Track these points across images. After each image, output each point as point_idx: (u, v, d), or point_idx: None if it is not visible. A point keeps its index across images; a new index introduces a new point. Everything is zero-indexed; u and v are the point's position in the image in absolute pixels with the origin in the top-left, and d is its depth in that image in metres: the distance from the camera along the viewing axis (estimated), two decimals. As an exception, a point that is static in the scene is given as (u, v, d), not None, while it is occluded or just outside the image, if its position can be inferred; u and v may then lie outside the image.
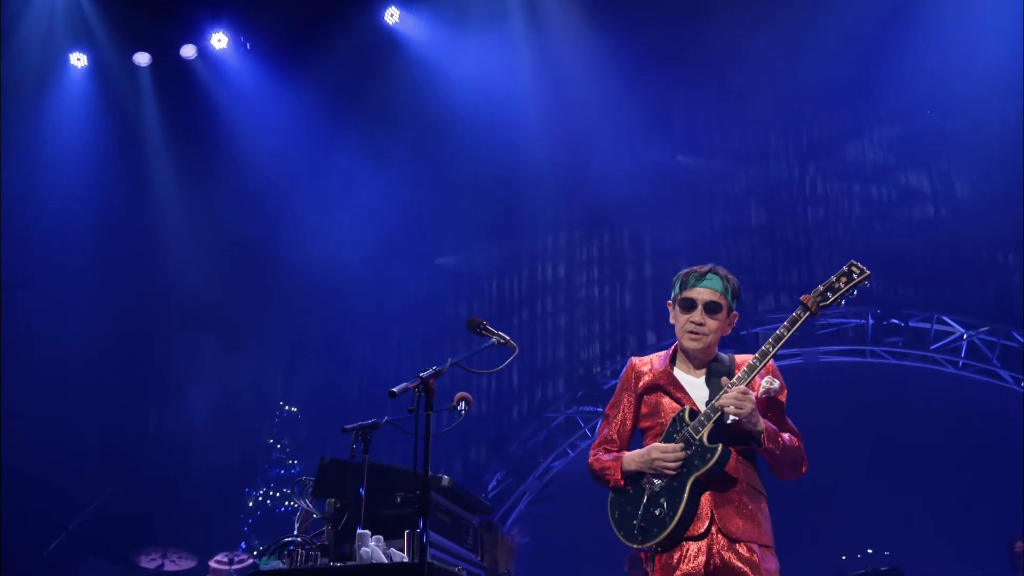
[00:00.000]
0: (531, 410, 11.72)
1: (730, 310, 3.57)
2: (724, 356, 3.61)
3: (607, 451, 3.63)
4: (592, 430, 11.62)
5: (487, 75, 11.09)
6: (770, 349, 3.36)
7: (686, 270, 3.61)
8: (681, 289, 3.57)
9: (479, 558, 4.36)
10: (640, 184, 11.17)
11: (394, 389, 3.21)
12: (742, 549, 3.29)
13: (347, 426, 3.88)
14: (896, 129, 10.75)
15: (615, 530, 3.50)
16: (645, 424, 3.61)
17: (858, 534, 9.31)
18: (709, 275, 3.54)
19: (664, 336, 11.34)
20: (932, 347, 10.32)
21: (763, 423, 3.37)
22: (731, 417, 3.36)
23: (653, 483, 3.42)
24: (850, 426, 9.35)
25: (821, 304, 3.33)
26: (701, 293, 3.52)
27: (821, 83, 10.46)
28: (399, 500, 3.98)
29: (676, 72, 10.82)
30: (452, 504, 4.19)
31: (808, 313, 3.33)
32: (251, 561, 8.74)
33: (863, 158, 10.94)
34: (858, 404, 9.82)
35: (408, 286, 11.90)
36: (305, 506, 4.19)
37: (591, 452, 3.69)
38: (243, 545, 10.16)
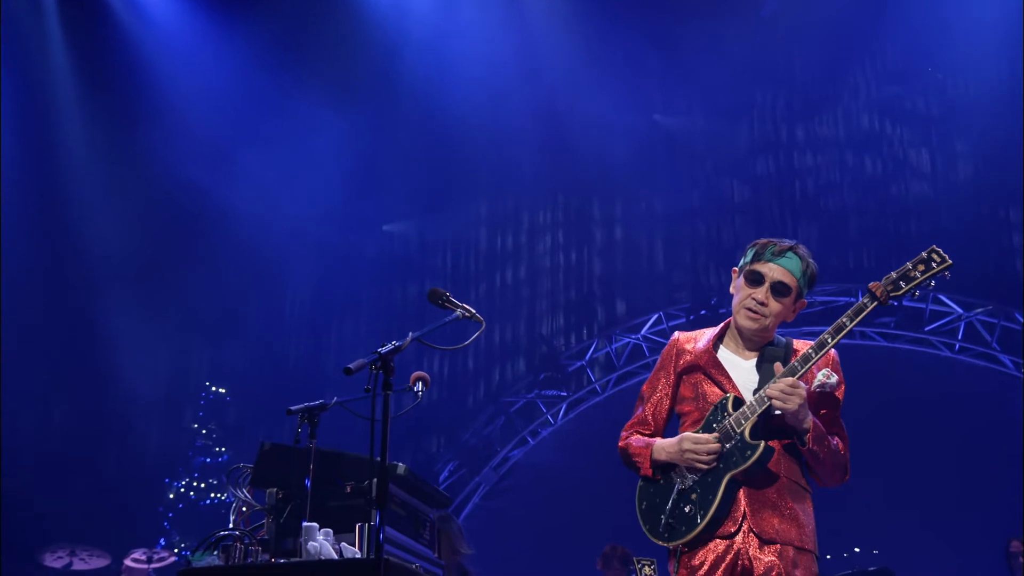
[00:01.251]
0: (488, 394, 11.81)
1: (799, 295, 3.53)
2: (781, 339, 3.57)
3: (640, 434, 3.63)
4: (556, 416, 11.76)
5: (444, 31, 11.06)
6: (829, 340, 3.33)
7: (765, 240, 3.56)
8: (753, 260, 3.51)
9: (436, 554, 4.39)
10: (613, 145, 11.24)
11: (350, 366, 3.16)
12: (773, 552, 3.30)
13: (292, 407, 3.86)
14: (893, 98, 10.94)
15: (641, 522, 3.52)
16: (684, 408, 3.58)
17: (845, 531, 9.52)
18: (789, 253, 3.49)
19: (636, 308, 11.48)
20: (927, 328, 10.56)
21: (811, 421, 3.33)
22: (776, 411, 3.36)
23: (685, 476, 3.43)
24: (836, 413, 9.54)
25: (892, 294, 3.32)
26: (773, 270, 3.48)
27: (820, 48, 10.61)
28: (349, 490, 3.96)
29: (655, 27, 10.87)
30: (408, 495, 4.14)
31: (876, 303, 3.31)
32: (172, 559, 8.70)
33: (857, 126, 11.11)
34: (845, 390, 9.96)
35: (353, 254, 11.86)
36: (242, 496, 4.18)
37: (623, 434, 3.69)
38: (162, 541, 10.11)
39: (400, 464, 4.13)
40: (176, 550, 9.73)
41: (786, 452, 3.41)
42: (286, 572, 3.43)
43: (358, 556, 3.53)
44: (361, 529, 3.69)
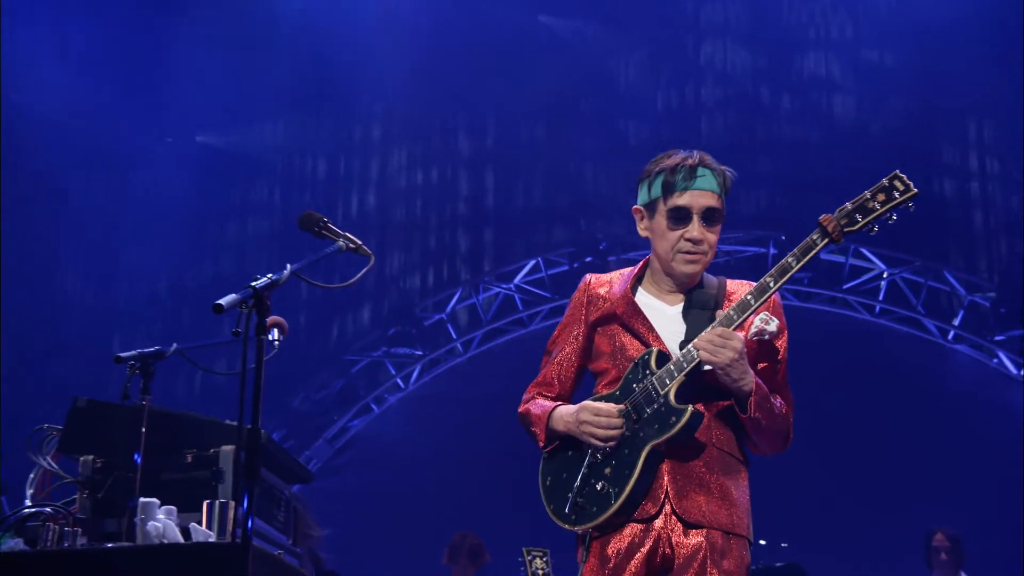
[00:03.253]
0: (324, 351, 11.70)
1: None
2: (712, 279, 3.61)
3: (542, 398, 3.66)
4: (407, 379, 11.80)
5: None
6: (771, 284, 3.35)
7: (665, 163, 3.54)
8: (665, 192, 3.50)
9: (291, 541, 4.34)
10: (488, 53, 11.24)
11: (221, 302, 3.06)
12: (699, 537, 3.34)
13: (122, 354, 3.79)
14: (815, 22, 11.30)
15: (544, 502, 3.53)
16: (599, 365, 3.61)
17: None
18: (700, 170, 3.50)
19: (509, 251, 11.56)
20: (845, 286, 11.00)
21: (753, 381, 3.34)
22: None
23: (591, 444, 3.46)
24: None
25: (847, 229, 3.32)
26: (696, 198, 3.49)
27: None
28: (190, 459, 3.92)
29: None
30: (264, 468, 4.14)
31: (827, 240, 3.32)
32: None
33: (777, 53, 11.42)
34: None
35: (156, 167, 11.50)
36: (46, 465, 4.06)
37: (524, 396, 3.71)
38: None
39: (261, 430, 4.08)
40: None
41: (718, 417, 3.45)
42: (117, 559, 3.32)
43: (212, 539, 3.46)
44: (211, 507, 3.63)
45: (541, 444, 3.57)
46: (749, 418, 3.35)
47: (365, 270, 3.61)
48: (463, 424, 11.12)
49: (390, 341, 11.62)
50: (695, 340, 3.35)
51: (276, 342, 4.02)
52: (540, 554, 5.75)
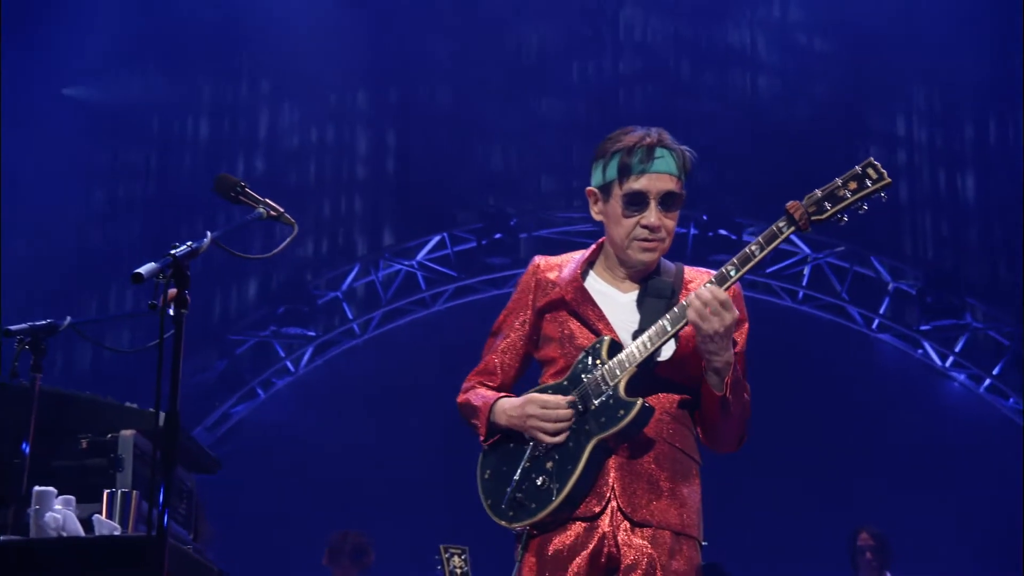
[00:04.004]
0: (205, 329, 11.52)
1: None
2: (669, 266, 3.63)
3: (482, 387, 3.66)
4: (298, 362, 11.71)
5: None
6: (732, 272, 3.37)
7: (622, 142, 3.53)
8: (621, 175, 3.50)
9: (192, 536, 4.28)
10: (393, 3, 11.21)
11: (140, 271, 3.00)
12: (647, 537, 3.37)
13: (11, 327, 3.74)
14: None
15: (482, 497, 3.54)
16: (547, 354, 3.62)
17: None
18: (658, 151, 3.50)
19: (411, 225, 11.50)
20: (768, 270, 11.17)
21: (733, 358, 3.37)
22: (666, 354, 3.42)
23: (537, 440, 3.48)
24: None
25: (815, 217, 3.36)
26: (653, 182, 3.48)
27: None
28: (85, 445, 3.87)
29: None
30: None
31: (794, 228, 3.36)
32: None
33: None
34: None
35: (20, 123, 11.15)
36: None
37: (464, 385, 3.71)
38: None
39: (162, 412, 4.00)
40: None
41: (671, 412, 3.48)
42: (11, 554, 3.22)
43: (117, 532, 3.41)
44: (112, 498, 3.60)
45: (482, 438, 3.58)
46: (722, 399, 3.37)
47: (289, 240, 3.55)
48: (359, 412, 11.07)
49: (279, 320, 11.46)
50: (692, 300, 3.32)
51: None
52: (458, 552, 5.77)
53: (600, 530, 3.37)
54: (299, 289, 11.50)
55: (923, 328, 11.07)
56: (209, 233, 3.25)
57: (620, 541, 3.36)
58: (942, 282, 10.94)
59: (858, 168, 3.37)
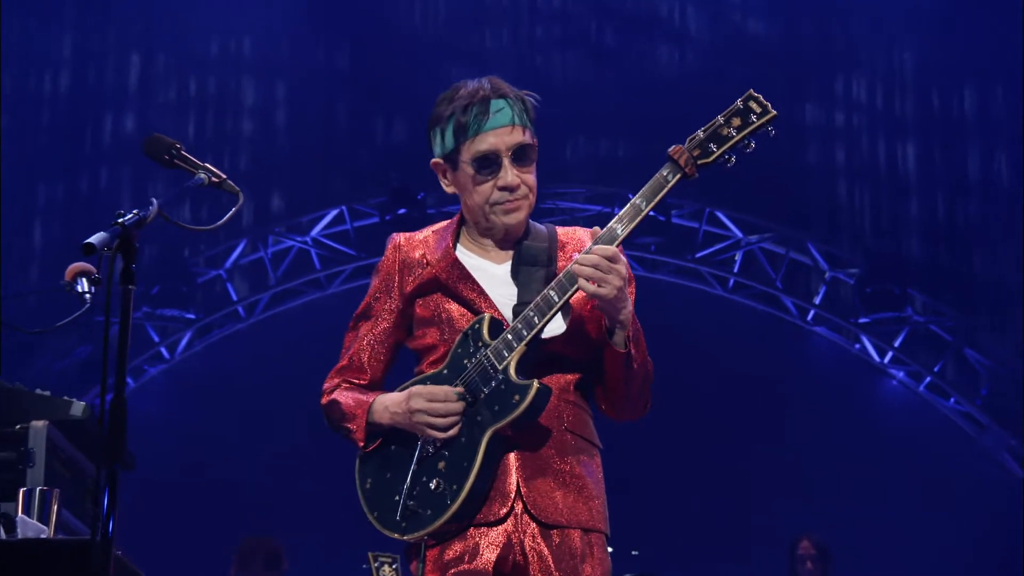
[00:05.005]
0: (67, 311, 11.22)
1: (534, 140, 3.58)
2: (540, 229, 3.62)
3: (350, 386, 3.59)
4: (174, 348, 11.54)
5: None
6: (620, 230, 3.36)
7: (454, 102, 3.51)
8: (457, 138, 3.48)
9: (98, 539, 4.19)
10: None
11: (91, 240, 2.92)
12: (558, 537, 3.36)
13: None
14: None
15: (366, 510, 3.48)
16: (421, 341, 3.57)
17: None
18: (495, 102, 3.48)
19: (304, 197, 11.37)
20: (698, 255, 11.25)
21: (631, 311, 3.38)
22: (554, 329, 3.38)
23: (427, 437, 3.44)
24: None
25: (701, 161, 3.37)
26: (500, 137, 3.46)
27: None
28: None
29: None
30: (76, 450, 4.10)
31: (680, 175, 3.37)
32: None
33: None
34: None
35: None
36: None
37: (325, 385, 3.63)
38: None
39: (78, 402, 4.09)
40: None
41: (567, 395, 3.47)
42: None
43: (45, 535, 3.36)
44: (28, 496, 3.51)
45: (361, 443, 3.50)
46: (626, 355, 3.37)
47: (235, 210, 3.49)
48: (243, 404, 10.91)
49: (153, 301, 11.23)
50: (573, 266, 3.30)
51: (87, 294, 4.02)
52: (388, 560, 5.69)
53: (504, 535, 3.35)
54: (176, 266, 11.28)
55: (862, 321, 11.23)
56: (155, 200, 3.17)
57: (527, 546, 3.34)
58: (882, 271, 11.07)
59: (739, 102, 3.40)
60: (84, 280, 4.01)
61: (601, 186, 11.19)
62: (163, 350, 11.51)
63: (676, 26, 11.81)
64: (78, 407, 3.99)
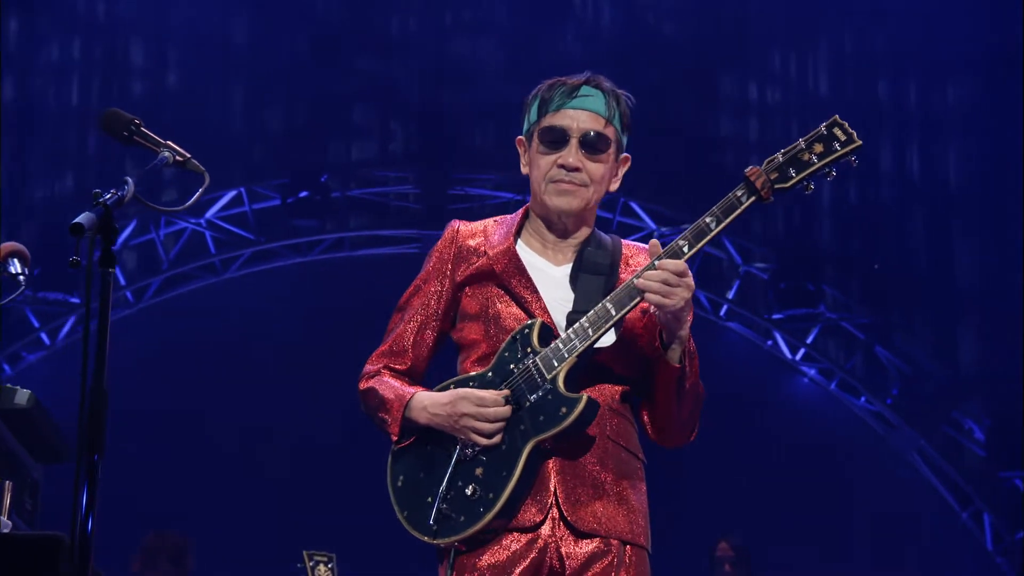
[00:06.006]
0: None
1: (620, 148, 3.57)
2: (605, 238, 3.61)
3: (392, 373, 3.56)
4: (55, 334, 11.26)
5: None
6: (685, 248, 3.34)
7: (548, 82, 3.57)
8: (539, 112, 3.53)
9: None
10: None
11: (79, 220, 2.89)
12: (593, 546, 3.35)
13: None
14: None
15: (396, 508, 3.45)
16: (466, 336, 3.55)
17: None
18: (585, 88, 3.52)
19: (199, 176, 11.02)
20: (609, 247, 11.16)
21: (689, 329, 3.38)
22: (606, 341, 3.38)
23: (468, 440, 3.41)
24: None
25: (778, 186, 3.34)
26: (576, 118, 3.49)
27: None
28: None
29: None
30: (15, 441, 4.06)
31: (755, 198, 3.33)
32: None
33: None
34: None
35: None
36: None
37: (367, 368, 3.61)
38: None
39: (22, 389, 4.13)
40: None
41: (613, 406, 3.46)
42: None
43: (7, 530, 3.52)
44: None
45: (394, 437, 3.49)
46: (680, 371, 3.38)
47: (201, 191, 3.44)
48: (130, 395, 10.49)
49: (35, 283, 10.82)
50: (636, 280, 3.30)
51: (21, 276, 4.15)
52: (324, 559, 5.69)
53: (541, 541, 3.35)
54: (59, 249, 10.84)
55: (775, 317, 11.24)
56: (130, 179, 3.13)
57: (564, 552, 3.35)
58: (796, 267, 11.10)
59: (823, 128, 3.39)
60: (16, 261, 4.05)
61: (513, 172, 11.01)
62: (44, 336, 11.22)
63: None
64: (23, 395, 3.98)
